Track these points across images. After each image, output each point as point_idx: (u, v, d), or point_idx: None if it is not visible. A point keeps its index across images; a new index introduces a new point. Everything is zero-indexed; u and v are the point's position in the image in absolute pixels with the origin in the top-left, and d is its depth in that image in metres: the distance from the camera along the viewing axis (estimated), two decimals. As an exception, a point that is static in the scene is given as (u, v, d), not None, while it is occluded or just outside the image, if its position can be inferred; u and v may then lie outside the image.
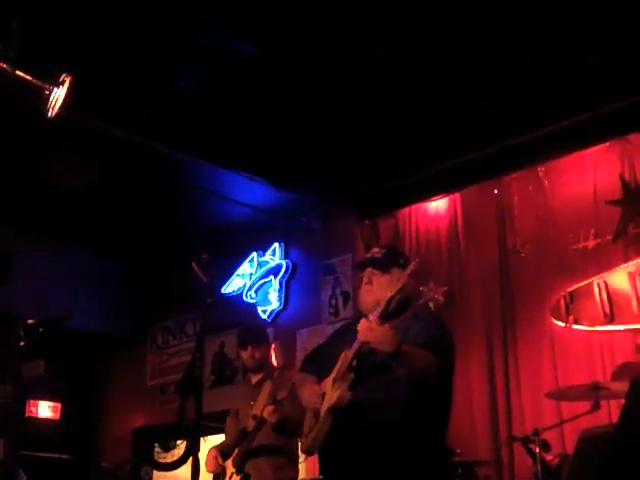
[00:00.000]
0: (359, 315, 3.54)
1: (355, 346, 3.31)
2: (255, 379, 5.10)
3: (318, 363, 3.63)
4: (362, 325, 3.21)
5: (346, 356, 3.36)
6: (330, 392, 3.36)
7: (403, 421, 3.25)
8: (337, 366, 3.38)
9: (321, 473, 3.56)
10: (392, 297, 3.24)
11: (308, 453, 3.57)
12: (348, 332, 3.51)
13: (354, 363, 3.34)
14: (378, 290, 3.42)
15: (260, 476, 4.73)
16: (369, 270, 3.54)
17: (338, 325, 5.15)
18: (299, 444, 4.21)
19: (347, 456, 3.33)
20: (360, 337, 3.22)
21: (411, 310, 3.53)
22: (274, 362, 5.66)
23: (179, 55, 5.19)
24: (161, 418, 8.28)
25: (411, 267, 3.28)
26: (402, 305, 3.47)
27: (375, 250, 3.68)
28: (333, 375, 3.38)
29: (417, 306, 3.76)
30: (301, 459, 4.91)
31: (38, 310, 6.01)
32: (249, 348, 5.12)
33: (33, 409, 8.73)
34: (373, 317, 3.24)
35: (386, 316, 3.28)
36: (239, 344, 5.37)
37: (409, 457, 3.23)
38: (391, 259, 3.47)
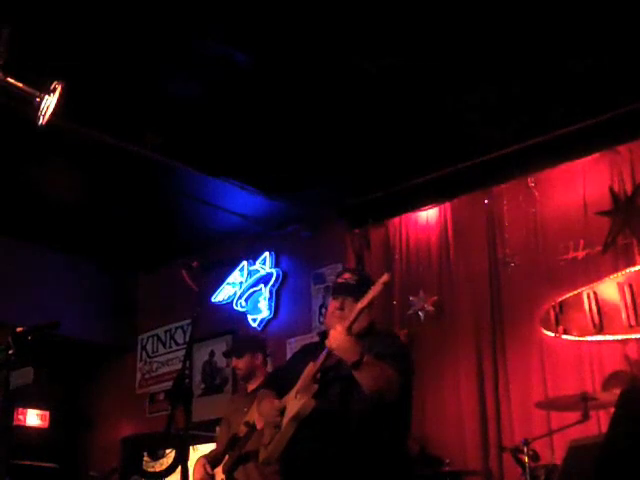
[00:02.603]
0: (323, 336, 3.56)
1: (321, 357, 3.39)
2: (251, 387, 5.15)
3: (279, 382, 3.70)
4: (331, 334, 3.29)
5: (311, 368, 3.43)
6: (293, 403, 3.43)
7: (361, 434, 3.33)
8: (301, 378, 3.45)
9: None
10: (363, 308, 3.32)
11: (266, 464, 3.61)
12: (310, 352, 3.61)
13: (318, 375, 3.42)
14: (349, 316, 3.43)
15: (249, 482, 4.73)
16: (342, 297, 3.61)
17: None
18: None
19: (306, 466, 3.40)
20: (328, 344, 3.30)
21: (374, 333, 3.63)
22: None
23: (171, 63, 5.19)
24: (150, 427, 8.25)
25: (384, 277, 3.32)
26: (367, 330, 3.57)
27: (347, 275, 3.74)
28: (297, 387, 3.46)
29: (380, 330, 3.83)
30: None
31: (27, 318, 5.98)
32: (233, 359, 5.27)
33: (21, 417, 8.69)
34: (341, 327, 3.29)
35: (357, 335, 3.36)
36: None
37: (366, 469, 3.30)
38: (364, 287, 3.48)
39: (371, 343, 3.42)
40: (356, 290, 3.54)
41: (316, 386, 3.39)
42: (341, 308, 3.58)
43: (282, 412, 3.48)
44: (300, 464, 3.43)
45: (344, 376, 3.32)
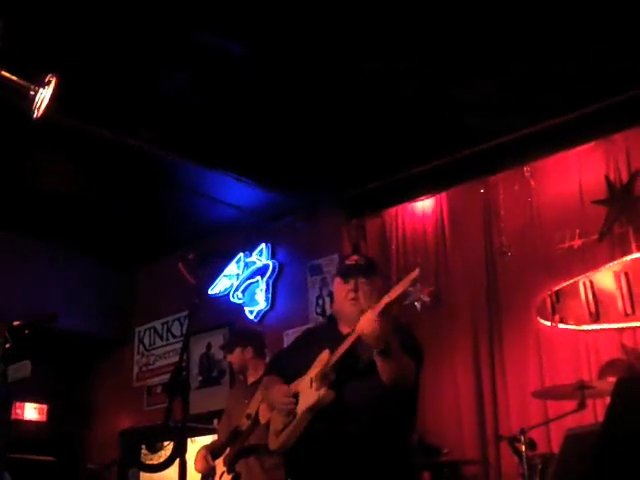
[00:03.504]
0: (328, 321, 3.50)
1: (345, 344, 3.26)
2: (252, 379, 5.15)
3: (283, 368, 3.64)
4: (362, 319, 3.11)
5: (328, 356, 3.34)
6: (308, 391, 3.34)
7: (374, 426, 3.27)
8: (316, 366, 3.36)
9: (288, 474, 3.57)
10: (394, 299, 3.10)
11: (279, 451, 3.52)
12: (317, 338, 3.54)
13: (336, 364, 3.31)
14: (362, 298, 3.39)
15: (251, 476, 4.74)
16: (354, 278, 3.47)
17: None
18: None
19: (317, 458, 3.33)
20: (359, 329, 3.12)
21: None
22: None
23: (168, 55, 5.18)
24: (148, 419, 8.26)
25: (415, 273, 3.16)
26: None
27: (356, 257, 3.66)
28: (311, 375, 3.36)
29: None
30: None
31: (24, 311, 5.98)
32: (227, 355, 5.40)
33: (19, 411, 8.69)
34: (374, 313, 3.08)
35: None
36: None
37: (376, 461, 3.25)
38: (374, 268, 3.47)
39: None
40: (367, 270, 3.48)
41: (334, 375, 3.30)
42: (355, 290, 3.43)
43: (295, 397, 3.39)
44: (311, 457, 3.36)
45: (362, 369, 3.24)
